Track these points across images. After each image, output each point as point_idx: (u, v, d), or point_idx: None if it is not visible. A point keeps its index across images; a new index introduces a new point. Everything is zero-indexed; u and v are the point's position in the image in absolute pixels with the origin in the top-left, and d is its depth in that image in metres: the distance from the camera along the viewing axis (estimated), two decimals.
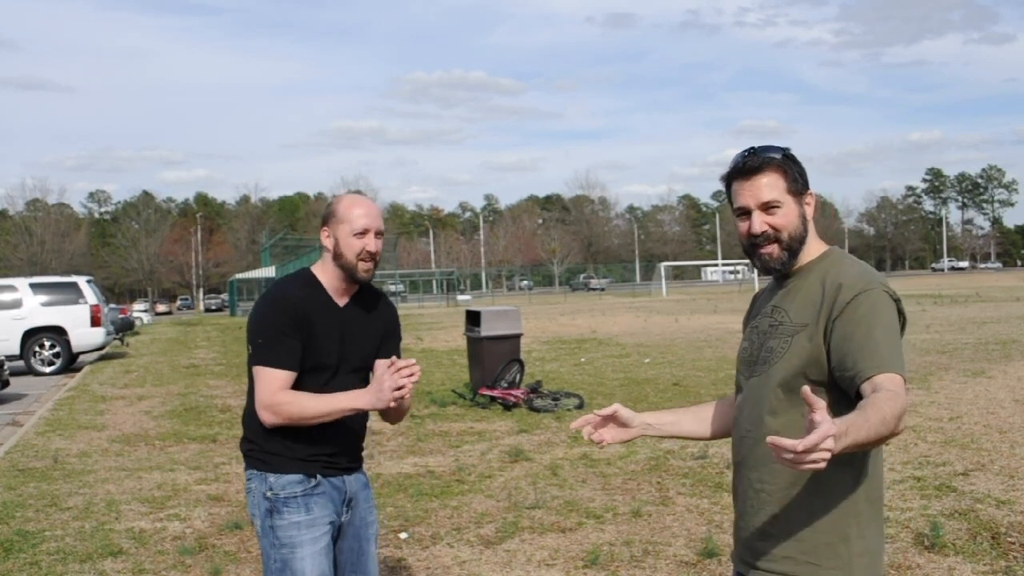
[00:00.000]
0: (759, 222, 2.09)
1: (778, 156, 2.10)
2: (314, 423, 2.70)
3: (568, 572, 4.90)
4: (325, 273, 2.82)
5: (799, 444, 1.58)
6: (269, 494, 2.74)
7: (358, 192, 2.93)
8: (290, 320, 2.70)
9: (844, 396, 1.98)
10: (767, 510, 2.08)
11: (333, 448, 2.81)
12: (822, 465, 1.62)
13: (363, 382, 2.86)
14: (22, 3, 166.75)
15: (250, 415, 2.79)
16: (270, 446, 2.74)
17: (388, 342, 2.93)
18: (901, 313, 2.04)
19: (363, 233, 2.76)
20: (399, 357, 2.76)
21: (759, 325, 2.19)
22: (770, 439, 1.65)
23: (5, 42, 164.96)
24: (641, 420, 2.38)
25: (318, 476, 2.77)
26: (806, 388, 1.70)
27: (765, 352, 2.12)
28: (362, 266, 2.77)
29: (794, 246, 2.11)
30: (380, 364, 2.72)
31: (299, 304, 2.73)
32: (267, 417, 2.68)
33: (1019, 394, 10.11)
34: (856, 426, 1.73)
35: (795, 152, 2.15)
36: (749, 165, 2.10)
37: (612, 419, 2.38)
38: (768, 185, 2.08)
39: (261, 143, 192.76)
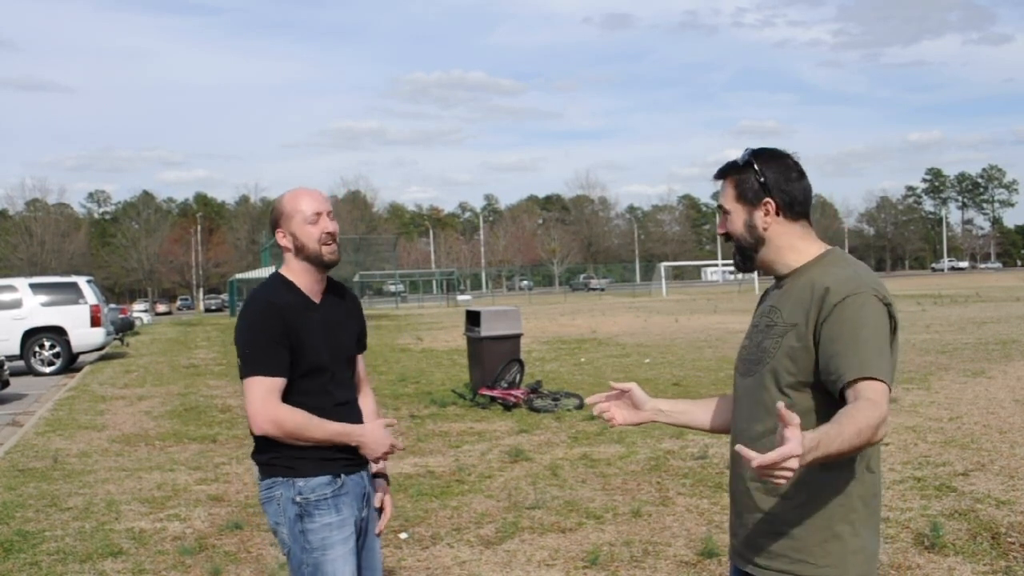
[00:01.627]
0: (719, 226, 2.24)
1: (738, 164, 2.19)
2: (306, 444, 2.70)
3: (568, 572, 4.90)
4: (294, 274, 2.80)
5: (761, 459, 1.65)
6: (299, 499, 2.71)
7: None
8: (279, 327, 2.68)
9: (831, 398, 2.00)
10: (761, 508, 2.11)
11: (353, 447, 2.82)
12: (783, 481, 1.69)
13: (353, 374, 2.93)
14: (22, 3, 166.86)
15: None
16: (295, 451, 2.70)
17: (361, 335, 2.99)
18: (892, 318, 2.05)
19: (316, 217, 2.76)
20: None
21: (758, 324, 2.21)
22: (737, 448, 1.74)
23: (5, 42, 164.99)
24: (654, 405, 2.43)
25: (342, 476, 2.77)
26: (780, 404, 1.74)
27: (760, 352, 2.15)
28: (326, 250, 2.77)
29: (745, 251, 2.21)
30: (377, 422, 2.86)
31: (285, 310, 2.71)
32: (267, 429, 2.65)
33: (1019, 394, 10.11)
34: (829, 438, 1.78)
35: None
36: (716, 173, 2.24)
37: (627, 397, 2.44)
38: (722, 193, 2.22)
39: (261, 143, 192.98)
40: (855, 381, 1.93)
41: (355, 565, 2.78)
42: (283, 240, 2.79)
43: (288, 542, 2.75)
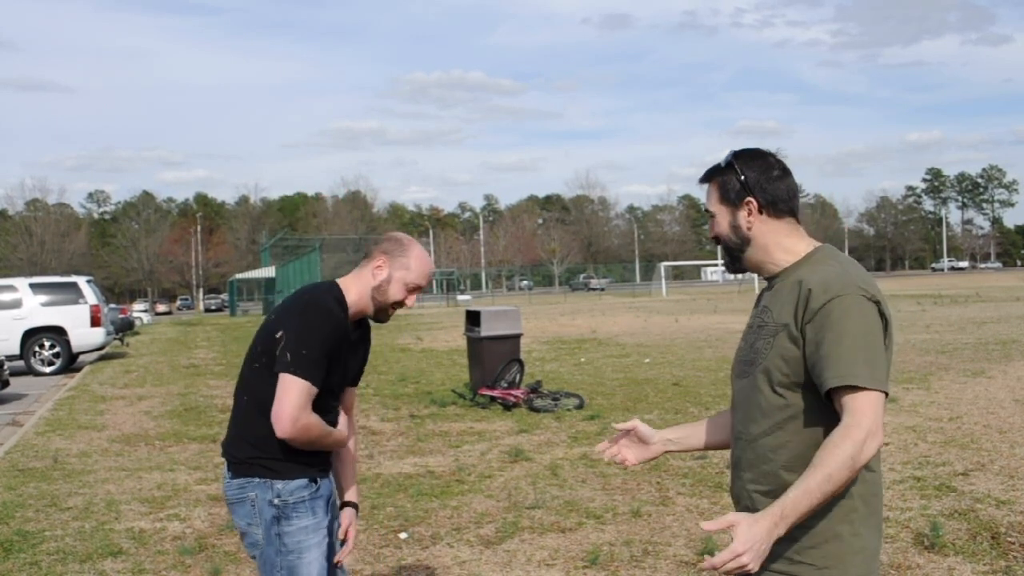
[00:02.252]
0: (709, 229, 2.26)
1: (721, 166, 2.20)
2: (313, 449, 2.73)
3: (568, 572, 4.90)
4: (353, 294, 2.78)
5: (708, 563, 1.80)
6: (277, 501, 2.70)
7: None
8: (334, 340, 2.68)
9: (823, 399, 1.99)
10: (760, 509, 2.09)
11: (323, 451, 2.84)
12: (749, 569, 1.81)
13: (339, 402, 2.94)
14: (22, 3, 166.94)
15: (252, 422, 2.72)
16: (278, 453, 2.69)
17: (360, 370, 3.00)
18: (883, 315, 2.02)
19: (414, 289, 2.80)
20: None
21: (752, 325, 2.21)
22: (704, 527, 1.86)
23: (5, 42, 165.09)
24: (661, 436, 2.43)
25: (318, 479, 2.78)
26: (703, 524, 1.87)
27: (752, 353, 2.14)
28: (390, 312, 2.81)
29: (733, 252, 2.21)
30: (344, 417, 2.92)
31: (340, 326, 2.71)
32: (294, 434, 2.62)
33: (1019, 394, 10.11)
34: (795, 501, 1.87)
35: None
36: (702, 177, 2.26)
37: (633, 435, 2.44)
38: (708, 196, 2.23)
39: (261, 143, 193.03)
40: (839, 391, 1.93)
41: (326, 568, 2.78)
42: (378, 270, 2.78)
43: (262, 544, 2.73)
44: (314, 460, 2.77)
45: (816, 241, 2.18)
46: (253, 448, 2.72)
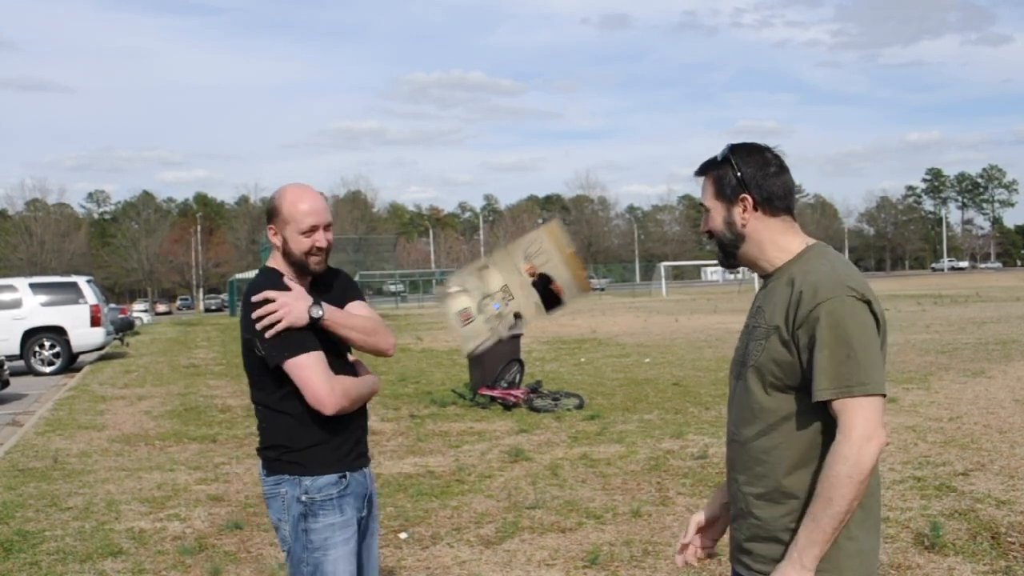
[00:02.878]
0: (703, 223, 2.23)
1: (717, 160, 2.17)
2: (361, 404, 2.78)
3: (568, 572, 4.90)
4: (283, 268, 2.80)
5: None
6: (304, 497, 2.72)
7: (301, 184, 2.85)
8: None
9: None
10: (755, 513, 2.09)
11: (357, 439, 2.84)
12: None
13: (347, 352, 2.91)
14: (22, 3, 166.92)
15: (274, 423, 2.74)
16: (306, 448, 2.71)
17: (351, 299, 2.90)
18: (874, 314, 2.00)
19: (311, 231, 2.74)
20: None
21: (747, 325, 2.19)
22: None
23: (5, 42, 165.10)
24: (722, 503, 2.35)
25: (348, 474, 2.78)
26: None
27: (745, 354, 2.13)
28: (313, 260, 2.77)
29: (726, 248, 2.19)
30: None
31: None
32: (343, 404, 2.66)
33: (1019, 394, 10.11)
34: (806, 534, 1.93)
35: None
36: (697, 170, 2.23)
37: (702, 529, 2.37)
38: (702, 191, 2.20)
39: (261, 143, 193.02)
40: (831, 402, 1.93)
41: (355, 566, 2.79)
42: (274, 238, 2.80)
43: (289, 540, 2.75)
44: (344, 454, 2.77)
45: (811, 239, 2.17)
46: (279, 447, 2.75)
